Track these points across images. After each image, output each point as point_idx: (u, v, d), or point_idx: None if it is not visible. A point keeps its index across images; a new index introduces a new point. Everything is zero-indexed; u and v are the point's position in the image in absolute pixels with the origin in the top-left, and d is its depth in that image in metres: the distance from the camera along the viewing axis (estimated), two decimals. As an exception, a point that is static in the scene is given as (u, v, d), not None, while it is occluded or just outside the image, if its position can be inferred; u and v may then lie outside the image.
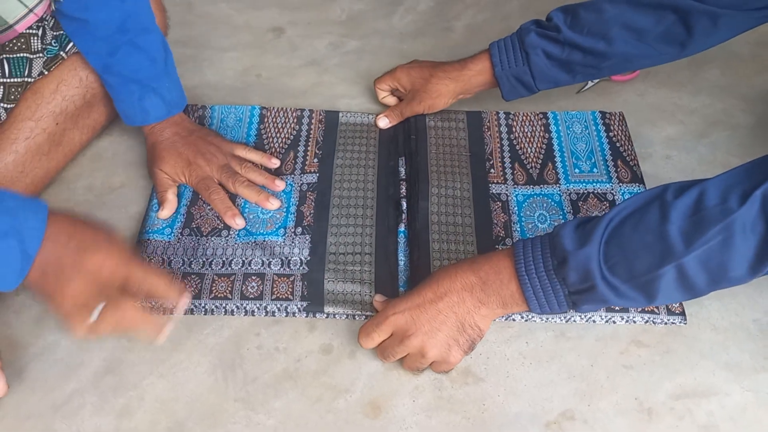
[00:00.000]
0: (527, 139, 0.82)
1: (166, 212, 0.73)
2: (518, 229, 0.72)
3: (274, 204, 0.74)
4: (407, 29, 1.01)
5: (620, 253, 0.51)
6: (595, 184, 0.77)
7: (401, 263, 0.70)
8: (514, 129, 0.83)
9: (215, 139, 0.78)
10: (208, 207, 0.74)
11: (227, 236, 0.72)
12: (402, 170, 0.78)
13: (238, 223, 0.72)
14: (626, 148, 0.81)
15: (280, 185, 0.76)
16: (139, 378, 0.63)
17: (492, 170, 0.78)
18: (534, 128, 0.83)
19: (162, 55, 0.75)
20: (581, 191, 0.76)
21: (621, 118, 0.84)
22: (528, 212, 0.74)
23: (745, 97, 0.89)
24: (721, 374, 0.63)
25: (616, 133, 0.82)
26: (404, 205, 0.74)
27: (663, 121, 0.86)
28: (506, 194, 0.76)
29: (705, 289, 0.51)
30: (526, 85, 0.76)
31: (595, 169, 0.78)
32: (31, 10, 0.68)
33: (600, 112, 0.85)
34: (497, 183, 0.77)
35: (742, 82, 0.91)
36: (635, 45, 0.70)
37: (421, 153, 0.79)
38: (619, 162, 0.79)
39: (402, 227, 0.72)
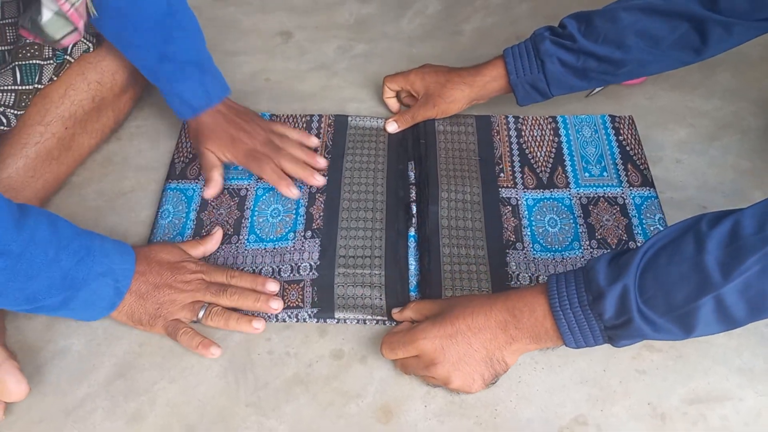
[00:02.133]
0: (536, 143, 0.82)
1: (211, 191, 0.75)
2: (528, 234, 0.72)
3: (319, 180, 0.75)
4: (416, 33, 1.01)
5: (656, 286, 0.50)
6: (605, 188, 0.77)
7: (411, 267, 0.70)
8: (523, 133, 0.83)
9: (254, 117, 0.79)
10: (218, 213, 0.74)
11: (237, 242, 0.72)
12: (411, 174, 0.78)
13: (293, 192, 0.73)
14: (636, 151, 0.80)
15: (321, 162, 0.77)
16: (151, 382, 0.63)
17: (501, 174, 0.78)
18: (543, 132, 0.83)
19: (202, 32, 0.77)
20: (592, 195, 0.76)
21: (631, 121, 0.84)
22: (538, 216, 0.74)
23: (756, 100, 0.89)
24: (735, 379, 0.63)
25: (625, 136, 0.82)
26: (414, 209, 0.74)
27: (673, 125, 0.86)
28: (516, 198, 0.76)
29: (745, 320, 0.49)
30: (540, 91, 0.76)
31: (605, 173, 0.78)
32: (76, 28, 0.67)
33: (609, 115, 0.85)
34: (507, 187, 0.77)
35: (752, 85, 0.91)
36: (650, 52, 0.70)
37: (431, 157, 0.79)
38: (629, 166, 0.79)
39: (412, 231, 0.72)
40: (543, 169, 0.79)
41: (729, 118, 0.87)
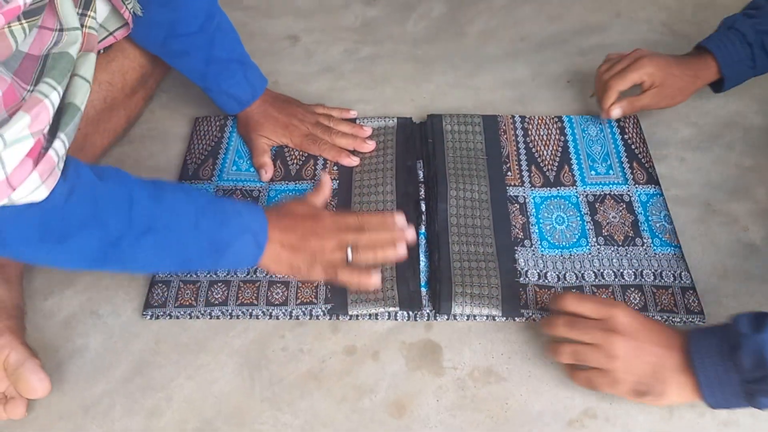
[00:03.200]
0: (543, 142, 0.83)
1: (268, 174, 0.79)
2: (536, 231, 0.73)
3: (369, 146, 0.81)
4: (421, 35, 1.02)
5: None
6: (611, 185, 0.78)
7: (422, 264, 0.71)
8: (529, 132, 0.84)
9: (298, 102, 0.85)
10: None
11: (250, 240, 0.73)
12: (420, 173, 0.79)
13: (355, 160, 0.80)
14: (641, 150, 0.82)
15: (367, 130, 0.83)
16: (167, 379, 0.64)
17: (509, 173, 0.79)
18: (549, 131, 0.84)
19: (236, 31, 0.80)
20: (598, 193, 0.77)
21: (635, 120, 0.85)
22: (546, 214, 0.75)
23: (758, 98, 0.90)
24: (741, 372, 0.64)
25: (630, 135, 0.83)
26: (423, 206, 0.75)
27: (677, 123, 0.87)
28: (524, 196, 0.77)
29: None
30: (748, 65, 0.78)
31: (611, 171, 0.79)
32: (111, 33, 0.71)
33: (614, 114, 0.86)
34: (514, 186, 0.78)
35: (755, 83, 0.92)
36: None
37: (439, 156, 0.80)
38: (634, 164, 0.80)
39: (422, 229, 0.73)
40: (550, 167, 0.80)
41: (732, 117, 0.88)
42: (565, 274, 0.70)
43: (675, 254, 0.71)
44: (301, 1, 1.09)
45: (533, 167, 0.80)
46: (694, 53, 0.80)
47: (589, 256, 0.71)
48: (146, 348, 0.66)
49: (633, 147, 0.82)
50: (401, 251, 0.67)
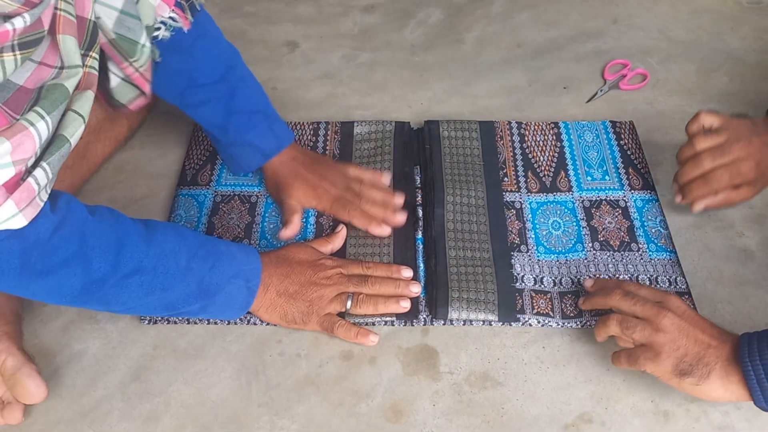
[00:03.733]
0: (539, 148, 0.83)
1: (289, 233, 0.73)
2: (533, 236, 0.74)
3: (401, 219, 0.74)
4: (418, 41, 1.03)
5: None
6: (607, 191, 0.78)
7: (420, 269, 0.71)
8: (526, 138, 0.84)
9: (330, 163, 0.79)
10: (230, 217, 0.76)
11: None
12: (417, 178, 0.79)
13: (386, 231, 0.73)
14: (637, 156, 0.82)
15: (399, 200, 0.76)
16: (165, 384, 0.64)
17: (505, 179, 0.80)
18: (546, 137, 0.85)
19: (260, 83, 0.77)
20: (594, 198, 0.78)
21: (631, 126, 0.86)
22: (542, 219, 0.76)
23: (753, 103, 0.90)
24: (736, 377, 0.64)
25: (626, 141, 0.84)
26: (420, 212, 0.76)
27: (673, 129, 0.87)
28: (520, 202, 0.77)
29: None
30: None
31: (607, 177, 0.80)
32: (143, 93, 0.68)
33: (610, 121, 0.86)
34: (511, 191, 0.78)
35: (749, 88, 0.93)
36: None
37: (436, 162, 0.80)
38: (630, 170, 0.80)
39: (419, 234, 0.74)
40: (546, 173, 0.80)
41: (727, 122, 0.88)
42: (561, 279, 0.70)
43: (670, 259, 0.72)
44: (301, 8, 1.09)
45: (530, 173, 0.80)
46: None
47: (585, 261, 0.72)
48: (144, 353, 0.67)
49: (629, 152, 0.83)
50: (404, 306, 0.66)
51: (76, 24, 0.48)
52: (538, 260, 0.72)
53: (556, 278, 0.71)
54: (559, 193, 0.78)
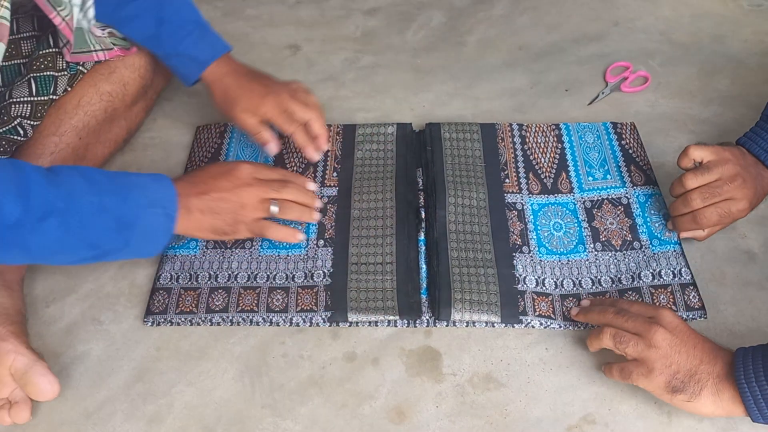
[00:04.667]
0: (540, 150, 0.83)
1: (273, 148, 0.78)
2: (534, 237, 0.74)
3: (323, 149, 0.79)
4: (420, 44, 1.03)
5: None
6: (609, 190, 0.78)
7: (422, 271, 0.71)
8: (527, 140, 0.85)
9: (270, 75, 0.81)
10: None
11: (251, 248, 0.74)
12: (420, 180, 0.79)
13: (315, 156, 0.78)
14: (639, 154, 0.82)
15: (326, 146, 0.79)
16: (168, 386, 0.64)
17: (507, 180, 0.80)
18: (547, 139, 0.85)
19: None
20: (595, 198, 0.78)
21: (633, 128, 0.86)
22: (543, 221, 0.76)
23: (754, 106, 0.90)
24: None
25: (628, 141, 0.84)
26: (422, 214, 0.76)
27: (675, 131, 0.87)
28: (521, 203, 0.77)
29: None
30: None
31: (608, 176, 0.80)
32: (68, 41, 0.71)
33: (612, 123, 0.87)
34: (512, 192, 0.78)
35: (751, 90, 0.93)
36: None
37: (437, 163, 0.81)
38: (632, 167, 0.81)
39: (421, 236, 0.74)
40: (547, 174, 0.81)
41: (729, 124, 0.88)
42: (562, 281, 0.71)
43: (675, 251, 0.72)
44: (303, 11, 1.10)
45: (531, 174, 0.81)
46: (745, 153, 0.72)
47: (587, 262, 0.72)
48: (147, 355, 0.67)
49: (630, 151, 0.83)
50: (316, 218, 0.71)
51: None
52: (540, 261, 0.72)
53: (557, 279, 0.71)
54: (560, 195, 0.78)
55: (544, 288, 0.70)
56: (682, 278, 0.70)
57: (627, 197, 0.77)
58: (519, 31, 1.04)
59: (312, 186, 0.72)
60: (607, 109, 0.91)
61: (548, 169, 0.81)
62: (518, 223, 0.75)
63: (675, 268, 0.70)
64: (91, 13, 0.70)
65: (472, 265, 0.71)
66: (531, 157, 0.83)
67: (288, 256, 0.73)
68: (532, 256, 0.72)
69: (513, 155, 0.83)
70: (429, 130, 0.85)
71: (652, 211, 0.76)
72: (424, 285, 0.70)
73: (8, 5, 0.53)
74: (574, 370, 0.65)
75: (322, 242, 0.74)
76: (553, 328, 0.68)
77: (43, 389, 0.60)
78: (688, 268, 0.70)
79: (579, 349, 0.66)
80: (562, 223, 0.76)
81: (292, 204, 0.68)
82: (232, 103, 0.77)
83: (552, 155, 0.83)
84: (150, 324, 0.69)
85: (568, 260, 0.72)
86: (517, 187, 0.79)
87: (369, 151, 0.84)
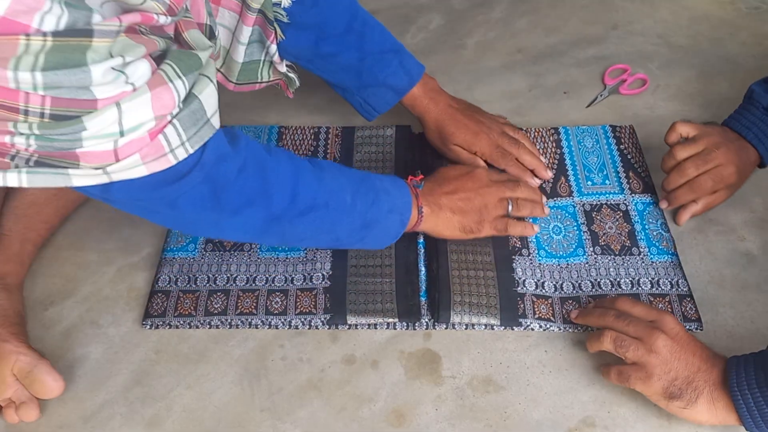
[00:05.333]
0: (539, 154, 0.83)
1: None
2: (534, 240, 0.74)
3: (548, 174, 0.80)
4: (420, 47, 1.03)
5: None
6: (607, 195, 0.78)
7: (421, 273, 0.71)
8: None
9: (481, 109, 0.82)
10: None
11: (250, 250, 0.74)
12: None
13: (537, 181, 0.79)
14: (637, 159, 0.82)
15: (548, 174, 0.80)
16: (167, 389, 0.64)
17: (506, 183, 0.80)
18: (546, 143, 0.85)
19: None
20: (594, 203, 0.78)
21: (631, 131, 0.86)
22: (543, 224, 0.76)
23: (753, 109, 0.91)
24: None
25: (626, 145, 0.84)
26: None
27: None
28: (521, 206, 0.77)
29: None
30: None
31: (607, 181, 0.80)
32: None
33: (611, 126, 0.87)
34: (512, 195, 0.78)
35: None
36: None
37: (437, 166, 0.80)
38: (630, 173, 0.81)
39: (421, 238, 0.74)
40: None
41: (727, 127, 0.89)
42: (562, 284, 0.71)
43: (672, 262, 0.72)
44: (301, 14, 1.10)
45: (531, 178, 0.81)
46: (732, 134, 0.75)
47: (586, 265, 0.72)
48: (146, 358, 0.67)
49: (629, 156, 0.83)
50: (546, 211, 0.75)
51: (195, 24, 0.52)
52: (540, 264, 0.72)
53: (557, 282, 0.71)
54: (559, 198, 0.78)
55: (543, 291, 0.70)
56: (680, 289, 0.70)
57: (626, 204, 0.77)
58: (518, 34, 1.05)
59: (536, 182, 0.77)
60: (606, 111, 0.91)
61: (547, 173, 0.81)
62: (517, 225, 0.75)
63: (672, 279, 0.70)
64: (273, 49, 0.70)
65: (472, 267, 0.71)
66: (530, 161, 0.83)
67: (287, 258, 0.73)
68: (531, 259, 0.72)
69: (512, 158, 0.83)
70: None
71: (650, 220, 0.76)
72: (424, 287, 0.70)
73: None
74: (574, 372, 0.65)
75: (321, 245, 0.74)
76: (553, 330, 0.68)
77: (50, 386, 0.61)
78: (685, 279, 0.70)
79: (578, 351, 0.66)
80: (562, 226, 0.76)
81: (524, 201, 0.72)
82: (447, 138, 0.79)
83: (551, 160, 0.83)
84: (149, 327, 0.68)
85: (568, 263, 0.72)
86: (516, 190, 0.79)
87: (368, 153, 0.84)
